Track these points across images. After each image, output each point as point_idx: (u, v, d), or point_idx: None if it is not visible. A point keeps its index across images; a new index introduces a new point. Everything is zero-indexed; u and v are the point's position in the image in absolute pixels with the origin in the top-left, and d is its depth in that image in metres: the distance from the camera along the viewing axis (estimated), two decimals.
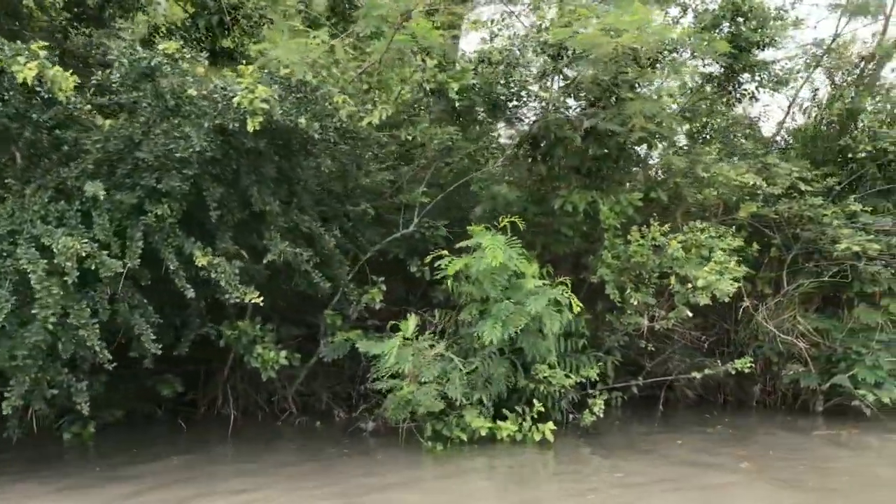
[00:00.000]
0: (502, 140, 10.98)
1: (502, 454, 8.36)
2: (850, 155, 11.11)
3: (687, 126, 11.11)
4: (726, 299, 8.52)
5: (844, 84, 12.34)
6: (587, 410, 9.41)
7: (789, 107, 13.00)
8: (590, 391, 9.79)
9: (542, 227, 10.35)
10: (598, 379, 9.65)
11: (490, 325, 7.92)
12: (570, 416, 9.90)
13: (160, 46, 6.89)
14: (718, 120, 11.03)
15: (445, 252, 8.23)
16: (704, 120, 11.07)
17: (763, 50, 9.76)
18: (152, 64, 6.67)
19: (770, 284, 11.69)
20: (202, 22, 10.48)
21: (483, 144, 9.74)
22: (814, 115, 11.95)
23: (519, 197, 9.78)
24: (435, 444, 8.19)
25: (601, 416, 9.35)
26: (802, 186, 9.89)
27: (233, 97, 6.35)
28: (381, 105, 7.48)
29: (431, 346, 7.88)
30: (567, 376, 9.12)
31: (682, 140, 11.11)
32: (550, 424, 8.67)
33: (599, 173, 10.02)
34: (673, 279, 8.88)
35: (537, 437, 8.54)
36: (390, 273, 10.04)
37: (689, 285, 8.78)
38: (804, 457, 8.47)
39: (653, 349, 10.80)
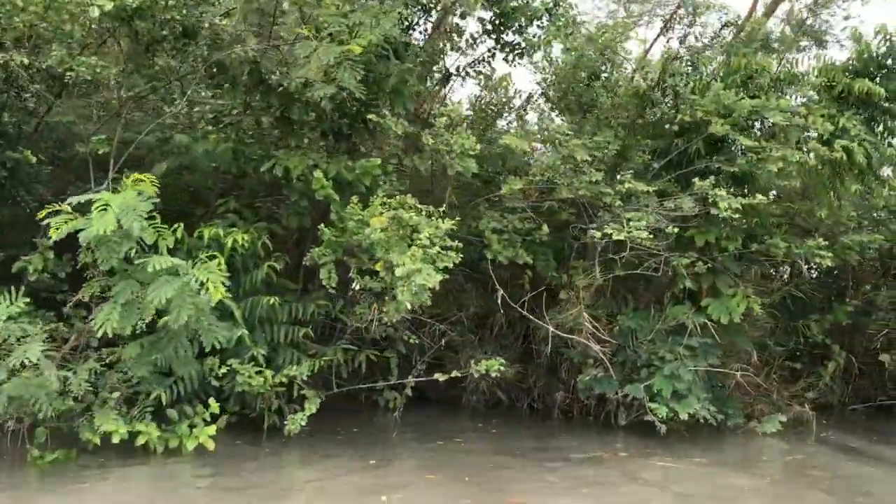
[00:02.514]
0: None
1: (152, 465, 6.74)
2: (667, 126, 9.43)
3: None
4: (425, 295, 6.74)
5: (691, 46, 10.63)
6: (291, 416, 7.77)
7: (635, 70, 11.27)
8: (299, 391, 8.11)
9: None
10: (307, 377, 7.96)
11: (106, 312, 6.21)
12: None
13: None
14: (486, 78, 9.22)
15: (65, 208, 6.37)
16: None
17: None
18: None
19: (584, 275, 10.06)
20: None
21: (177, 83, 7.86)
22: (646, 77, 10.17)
23: (237, 153, 8.05)
24: (44, 453, 6.51)
25: (303, 420, 7.70)
26: (579, 157, 8.13)
27: None
28: None
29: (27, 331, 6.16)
30: (258, 372, 7.47)
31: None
32: (210, 430, 7.03)
33: (346, 135, 8.34)
34: (380, 265, 7.13)
35: (191, 445, 6.89)
36: None
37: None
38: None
39: (416, 342, 9.24)
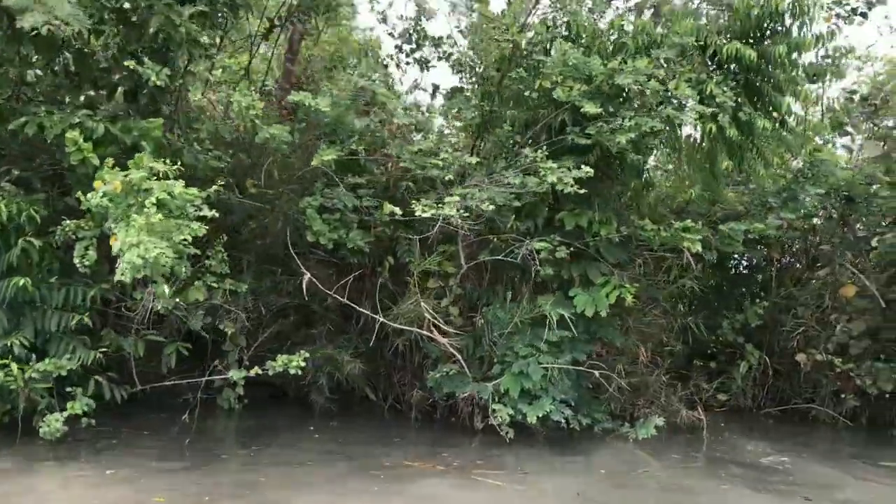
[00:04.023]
0: None
1: None
2: (526, 94, 8.32)
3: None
4: (158, 280, 5.58)
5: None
6: (48, 416, 6.68)
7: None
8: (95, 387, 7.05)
9: None
10: (79, 371, 6.88)
11: None
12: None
13: None
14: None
15: None
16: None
17: None
18: None
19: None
20: None
21: None
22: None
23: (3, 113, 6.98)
24: None
25: (59, 421, 6.61)
26: (398, 121, 7.04)
27: None
28: None
29: None
30: (3, 366, 6.40)
31: None
32: None
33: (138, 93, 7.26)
34: (114, 238, 5.97)
35: None
36: None
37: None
38: None
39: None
